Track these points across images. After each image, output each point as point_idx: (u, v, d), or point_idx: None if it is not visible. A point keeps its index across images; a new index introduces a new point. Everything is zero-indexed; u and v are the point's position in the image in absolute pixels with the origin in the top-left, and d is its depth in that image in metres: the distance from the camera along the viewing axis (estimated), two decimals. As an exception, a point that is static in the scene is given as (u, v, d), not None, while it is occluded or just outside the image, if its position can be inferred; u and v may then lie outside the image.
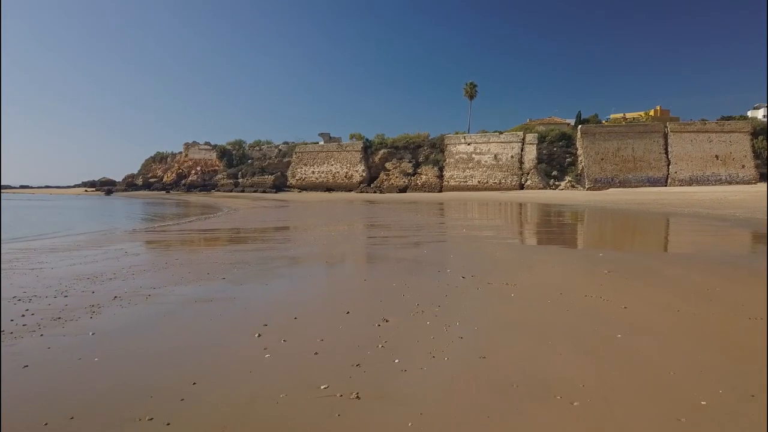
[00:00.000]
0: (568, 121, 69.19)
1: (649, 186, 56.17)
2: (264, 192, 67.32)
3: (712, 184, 55.37)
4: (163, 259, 7.98)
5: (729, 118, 60.62)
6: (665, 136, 59.10)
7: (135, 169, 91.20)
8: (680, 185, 55.72)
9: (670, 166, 58.20)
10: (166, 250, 9.35)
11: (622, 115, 71.78)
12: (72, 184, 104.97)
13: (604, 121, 67.28)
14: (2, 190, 66.24)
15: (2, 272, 6.43)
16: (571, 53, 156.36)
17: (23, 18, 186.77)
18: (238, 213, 26.78)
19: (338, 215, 24.08)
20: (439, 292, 5.18)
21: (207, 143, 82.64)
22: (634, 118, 68.74)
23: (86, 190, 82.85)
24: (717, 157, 58.32)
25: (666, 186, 56.36)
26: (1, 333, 3.92)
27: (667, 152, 58.71)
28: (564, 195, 45.55)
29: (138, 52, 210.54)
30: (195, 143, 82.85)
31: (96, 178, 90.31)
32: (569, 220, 19.23)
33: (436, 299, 4.83)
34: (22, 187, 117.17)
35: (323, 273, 6.96)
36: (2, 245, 9.39)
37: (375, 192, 62.23)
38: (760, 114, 63.63)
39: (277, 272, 6.62)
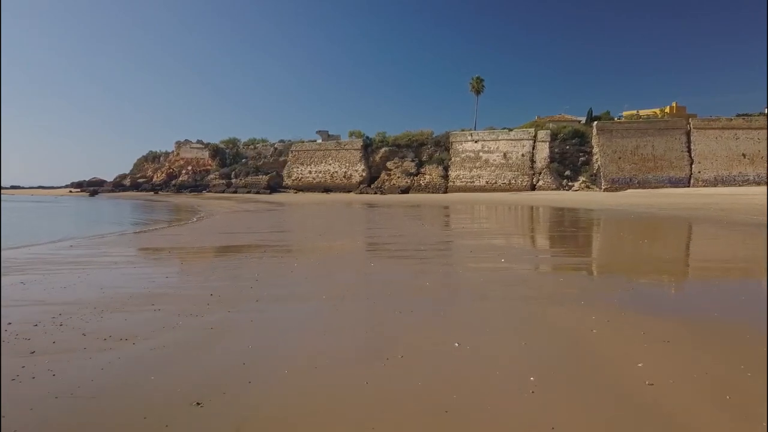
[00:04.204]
0: (578, 118, 64.74)
1: (670, 187, 51.84)
2: (258, 193, 63.18)
3: (739, 185, 51.03)
4: None
5: (746, 116, 56.01)
6: (687, 134, 54.65)
7: (129, 169, 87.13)
8: (704, 186, 51.37)
9: (692, 166, 53.81)
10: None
11: (635, 112, 67.14)
12: (64, 185, 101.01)
13: (615, 119, 62.70)
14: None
15: None
16: (572, 52, 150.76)
17: (14, 12, 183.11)
18: (211, 220, 22.69)
19: (329, 224, 19.95)
20: None
21: (199, 141, 78.59)
22: (648, 115, 64.16)
23: (71, 191, 78.93)
24: (744, 155, 53.84)
25: (689, 187, 51.99)
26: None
27: (689, 150, 54.24)
28: (583, 197, 41.20)
29: (135, 50, 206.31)
30: (187, 141, 78.80)
31: (88, 178, 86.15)
32: (629, 233, 14.90)
33: None
34: (12, 187, 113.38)
35: None
36: None
37: (375, 193, 58.06)
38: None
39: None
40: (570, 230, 16.63)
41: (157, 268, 8.40)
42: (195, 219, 23.79)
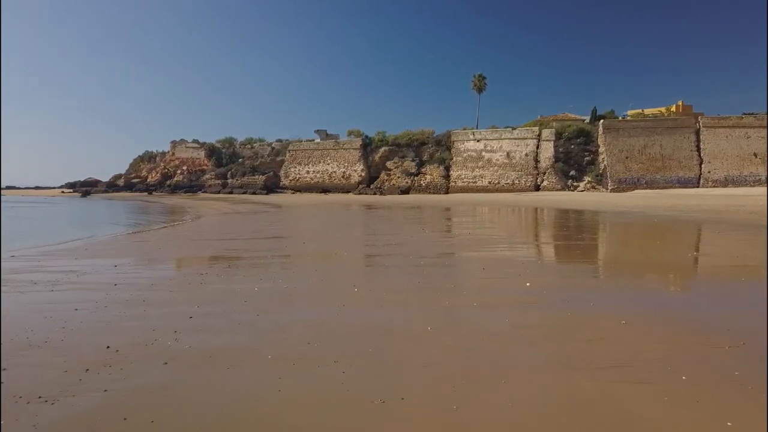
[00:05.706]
0: (582, 117, 62.89)
1: (679, 187, 50.02)
2: (254, 194, 61.30)
3: (751, 185, 49.14)
4: None
5: (755, 115, 54.01)
6: (696, 132, 52.73)
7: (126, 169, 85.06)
8: (714, 186, 49.46)
9: (702, 165, 51.92)
10: None
11: (640, 110, 65.16)
12: (60, 185, 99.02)
13: (620, 118, 60.72)
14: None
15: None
16: (573, 51, 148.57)
17: (14, 11, 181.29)
18: (195, 223, 20.94)
19: (320, 229, 18.09)
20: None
21: (195, 141, 76.76)
22: (654, 114, 62.19)
23: (63, 192, 77.10)
24: (756, 155, 51.91)
25: (698, 187, 50.09)
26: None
27: (698, 150, 52.34)
28: (591, 198, 39.24)
29: (135, 50, 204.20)
30: (182, 141, 77.00)
31: (85, 179, 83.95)
32: (667, 242, 12.93)
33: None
34: (8, 188, 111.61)
35: None
36: None
37: (375, 193, 56.13)
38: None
39: None
40: (593, 238, 14.68)
41: (77, 292, 6.49)
42: (177, 222, 22.04)
